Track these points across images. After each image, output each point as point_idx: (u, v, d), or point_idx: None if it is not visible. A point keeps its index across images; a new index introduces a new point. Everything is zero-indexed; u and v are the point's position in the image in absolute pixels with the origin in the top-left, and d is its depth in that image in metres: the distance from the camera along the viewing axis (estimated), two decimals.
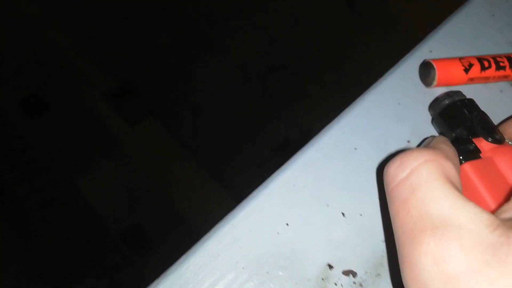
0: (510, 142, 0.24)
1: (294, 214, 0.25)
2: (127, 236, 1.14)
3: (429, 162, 0.18)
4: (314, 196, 0.25)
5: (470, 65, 0.28)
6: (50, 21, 1.37)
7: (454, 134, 0.25)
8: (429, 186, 0.17)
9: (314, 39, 1.38)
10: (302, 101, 1.28)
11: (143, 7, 1.42)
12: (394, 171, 0.18)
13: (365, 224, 0.25)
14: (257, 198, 0.25)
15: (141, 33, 1.39)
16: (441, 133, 0.27)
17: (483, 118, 0.24)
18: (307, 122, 1.22)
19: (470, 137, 0.23)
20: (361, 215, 0.25)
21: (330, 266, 0.24)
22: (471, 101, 0.26)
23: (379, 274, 0.24)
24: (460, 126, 0.24)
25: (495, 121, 0.27)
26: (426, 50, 0.30)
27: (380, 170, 0.26)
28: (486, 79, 0.29)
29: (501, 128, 0.25)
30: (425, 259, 0.15)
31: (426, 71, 0.28)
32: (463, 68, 0.28)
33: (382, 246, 0.24)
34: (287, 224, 0.24)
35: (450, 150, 0.20)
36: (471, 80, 0.29)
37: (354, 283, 0.23)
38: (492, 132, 0.23)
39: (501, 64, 0.29)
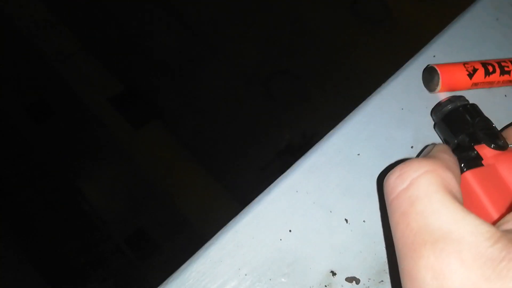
0: None
1: (297, 220, 0.24)
2: (130, 239, 1.14)
3: (429, 173, 0.17)
4: (317, 202, 0.25)
5: (474, 70, 0.28)
6: (56, 26, 1.39)
7: (456, 141, 0.24)
8: (429, 198, 0.17)
9: (317, 43, 1.38)
10: (305, 105, 1.28)
11: (148, 13, 1.43)
12: (394, 182, 0.18)
13: (368, 231, 0.25)
14: (260, 204, 0.25)
15: (145, 38, 1.40)
16: (444, 139, 0.26)
17: (486, 123, 0.24)
18: (310, 125, 1.22)
19: (472, 144, 0.23)
20: (364, 221, 0.25)
21: (333, 273, 0.23)
22: (473, 106, 0.25)
23: (382, 281, 0.24)
24: (462, 132, 0.24)
25: (500, 126, 0.26)
26: (429, 55, 0.30)
27: (381, 179, 0.25)
28: (491, 84, 0.29)
29: (504, 134, 0.24)
30: (425, 273, 0.15)
31: (429, 76, 0.28)
32: (467, 73, 0.28)
33: (385, 253, 0.24)
34: (290, 231, 0.24)
35: (451, 159, 0.20)
36: (475, 85, 0.29)
37: None
38: (495, 138, 0.23)
39: (506, 68, 0.29)
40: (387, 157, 0.26)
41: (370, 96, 0.28)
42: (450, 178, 0.18)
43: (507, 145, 0.23)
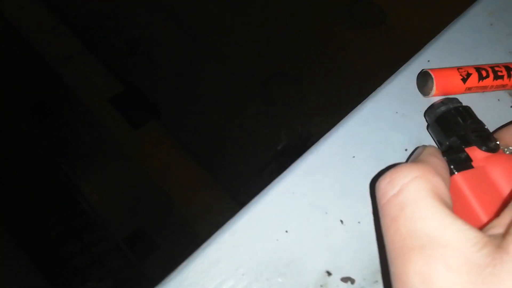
0: (506, 150, 0.23)
1: (293, 221, 0.25)
2: (129, 239, 1.14)
3: (418, 178, 0.18)
4: (313, 203, 0.25)
5: (468, 75, 0.28)
6: (56, 28, 1.39)
7: (447, 143, 0.24)
8: (417, 204, 0.17)
9: (315, 47, 1.38)
10: (302, 107, 1.29)
11: (149, 16, 1.43)
12: (384, 188, 0.19)
13: (363, 232, 0.25)
14: (257, 205, 0.25)
15: (146, 40, 1.40)
16: (437, 141, 0.27)
17: (478, 126, 0.24)
18: (307, 128, 1.22)
19: (463, 146, 0.23)
20: (359, 222, 0.25)
21: (329, 273, 0.24)
22: (466, 108, 0.25)
23: (377, 281, 0.24)
24: (454, 134, 0.24)
25: (492, 130, 0.27)
26: (424, 60, 0.30)
27: (373, 184, 0.26)
28: (484, 89, 0.29)
29: (496, 136, 0.24)
30: (413, 278, 0.16)
31: (424, 81, 0.29)
32: (461, 77, 0.28)
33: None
34: (287, 231, 0.25)
35: (440, 163, 0.20)
36: (469, 90, 0.29)
37: None
38: (487, 140, 0.23)
39: (499, 73, 0.29)
40: (381, 159, 0.27)
41: (365, 100, 0.28)
42: (439, 183, 0.18)
43: (498, 147, 0.23)
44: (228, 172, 1.22)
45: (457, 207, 0.21)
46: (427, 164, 0.19)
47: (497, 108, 0.30)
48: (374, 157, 0.27)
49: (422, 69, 0.29)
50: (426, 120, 0.28)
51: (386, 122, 0.28)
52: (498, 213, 0.19)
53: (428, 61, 0.30)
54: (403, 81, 0.29)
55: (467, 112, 0.25)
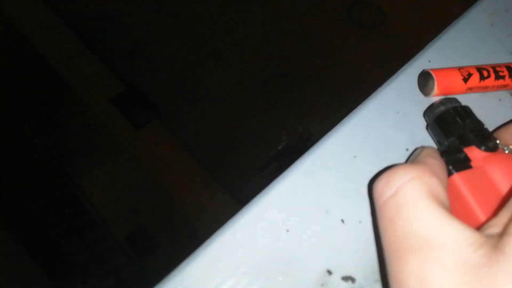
0: (505, 149, 0.23)
1: (294, 221, 0.25)
2: (131, 237, 1.14)
3: (414, 179, 0.18)
4: (314, 203, 0.26)
5: (469, 75, 0.28)
6: (58, 28, 1.39)
7: (446, 143, 0.24)
8: (414, 205, 0.17)
9: (315, 47, 1.39)
10: (303, 108, 1.29)
11: (150, 17, 1.43)
12: (382, 189, 0.19)
13: (364, 231, 0.25)
14: (258, 204, 0.25)
15: (147, 41, 1.40)
16: (436, 141, 0.27)
17: (477, 125, 0.24)
18: (307, 127, 1.23)
19: (462, 145, 0.23)
20: (360, 222, 0.25)
21: (330, 272, 0.24)
22: (465, 108, 0.25)
23: (377, 280, 0.24)
24: (452, 134, 0.24)
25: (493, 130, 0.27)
26: (425, 60, 0.30)
27: (371, 185, 0.26)
28: (485, 89, 0.29)
29: (496, 135, 0.24)
30: (410, 278, 0.16)
31: (425, 81, 0.29)
32: (462, 77, 0.28)
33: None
34: (288, 231, 0.25)
35: (437, 163, 0.20)
36: (470, 90, 0.29)
37: None
38: (485, 140, 0.23)
39: (501, 73, 0.29)
40: (382, 159, 0.27)
41: (366, 100, 0.28)
42: (435, 184, 0.18)
43: (497, 146, 0.23)
44: (229, 171, 1.22)
45: (456, 207, 0.21)
46: (424, 165, 0.19)
47: (498, 108, 0.30)
48: (375, 157, 0.27)
49: (423, 69, 0.29)
50: (426, 120, 0.28)
51: (387, 122, 0.28)
52: (496, 213, 0.19)
53: (429, 61, 0.30)
54: (404, 81, 0.29)
55: (465, 112, 0.25)
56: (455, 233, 0.16)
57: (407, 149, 0.27)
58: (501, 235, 0.15)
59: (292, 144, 1.18)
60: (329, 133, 0.28)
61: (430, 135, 0.27)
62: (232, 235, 0.24)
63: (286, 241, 0.24)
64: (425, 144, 0.28)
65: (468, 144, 0.23)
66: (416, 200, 0.17)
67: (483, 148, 0.22)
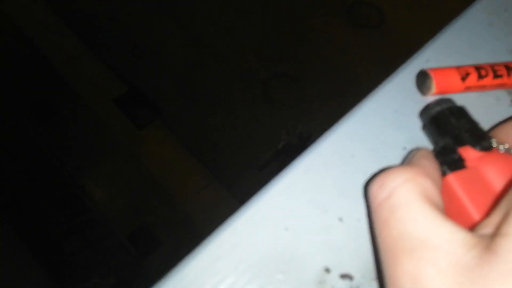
0: (501, 148, 0.23)
1: (293, 219, 0.25)
2: (133, 236, 1.15)
3: (408, 182, 0.18)
4: (313, 201, 0.26)
5: (467, 74, 0.29)
6: (61, 29, 1.40)
7: (441, 143, 0.24)
8: (408, 207, 0.17)
9: (314, 47, 1.39)
10: (302, 107, 1.29)
11: (151, 18, 1.44)
12: (376, 191, 0.19)
13: (362, 229, 0.25)
14: (257, 203, 0.26)
15: (149, 42, 1.41)
16: (432, 141, 0.27)
17: (472, 125, 0.24)
18: (307, 127, 1.23)
19: (456, 146, 0.23)
20: (358, 220, 0.26)
21: (328, 270, 0.24)
22: (460, 109, 0.25)
23: (375, 278, 0.24)
24: (447, 134, 0.24)
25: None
26: (423, 59, 0.30)
27: (366, 188, 0.26)
28: (483, 88, 0.30)
29: (492, 133, 0.24)
30: (404, 279, 0.16)
31: (423, 80, 0.29)
32: (460, 76, 0.28)
33: None
34: (287, 229, 0.25)
35: (431, 165, 0.20)
36: (468, 89, 0.29)
37: (351, 287, 0.24)
38: (480, 139, 0.23)
39: (499, 72, 0.29)
40: (380, 158, 0.27)
41: (364, 99, 0.29)
42: (429, 186, 0.18)
43: (492, 146, 0.23)
44: (229, 171, 1.23)
45: (451, 207, 0.21)
46: (417, 166, 0.19)
47: (496, 107, 0.30)
48: (374, 156, 0.27)
49: (421, 69, 0.29)
50: (421, 121, 0.28)
51: (386, 121, 0.28)
52: (490, 212, 0.20)
53: (427, 61, 0.30)
54: (402, 81, 0.29)
55: (460, 112, 0.25)
56: (448, 234, 0.16)
57: (405, 148, 0.28)
58: (493, 235, 0.15)
59: (291, 143, 1.18)
60: (328, 132, 0.28)
61: (426, 135, 0.28)
62: (231, 233, 0.24)
63: (285, 239, 0.25)
64: (423, 143, 0.28)
65: (463, 144, 0.23)
66: (410, 202, 0.17)
67: (477, 147, 0.22)
